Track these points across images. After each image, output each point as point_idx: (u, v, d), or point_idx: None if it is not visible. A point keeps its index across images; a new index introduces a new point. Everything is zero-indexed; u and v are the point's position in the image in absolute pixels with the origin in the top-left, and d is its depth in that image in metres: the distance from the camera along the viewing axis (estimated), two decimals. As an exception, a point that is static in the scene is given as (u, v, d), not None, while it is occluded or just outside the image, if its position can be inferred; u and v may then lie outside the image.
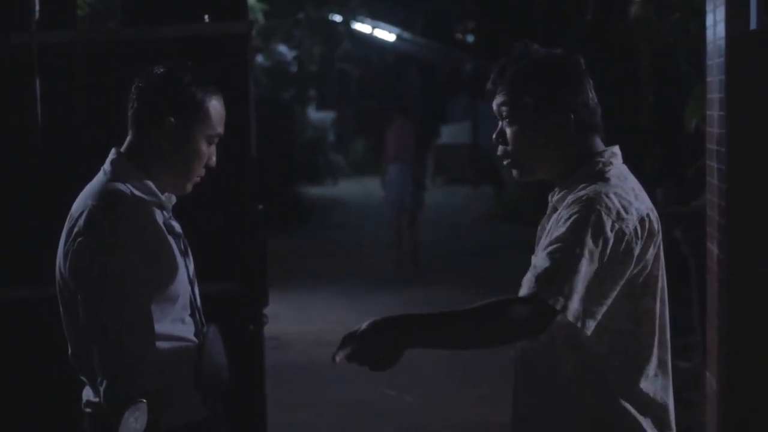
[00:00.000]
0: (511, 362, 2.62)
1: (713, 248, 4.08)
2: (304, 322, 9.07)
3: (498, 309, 2.30)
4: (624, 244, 2.33)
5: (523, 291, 2.31)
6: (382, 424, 6.25)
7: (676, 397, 2.56)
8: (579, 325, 2.29)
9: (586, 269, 2.29)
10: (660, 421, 2.46)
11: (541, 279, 2.28)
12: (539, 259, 2.33)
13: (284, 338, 8.25)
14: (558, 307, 2.26)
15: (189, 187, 2.74)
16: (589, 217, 2.32)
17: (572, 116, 2.47)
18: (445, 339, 2.39)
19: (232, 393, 2.90)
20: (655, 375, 2.46)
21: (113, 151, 2.70)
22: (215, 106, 2.69)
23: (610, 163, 2.50)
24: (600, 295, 2.32)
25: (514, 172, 2.57)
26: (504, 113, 2.52)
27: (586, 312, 2.30)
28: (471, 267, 12.10)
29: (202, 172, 2.73)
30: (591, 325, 2.31)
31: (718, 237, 3.96)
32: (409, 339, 2.31)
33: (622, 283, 2.36)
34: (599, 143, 2.54)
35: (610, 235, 2.31)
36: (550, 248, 2.32)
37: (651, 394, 2.44)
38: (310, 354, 8.02)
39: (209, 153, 2.71)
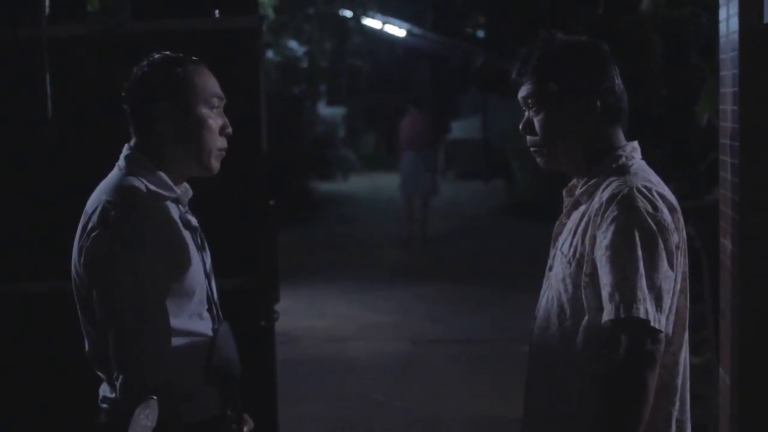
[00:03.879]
0: (516, 357, 2.61)
1: (726, 243, 4.06)
2: (314, 316, 9.08)
3: (619, 379, 2.26)
4: (667, 233, 2.33)
5: (606, 317, 2.28)
6: (392, 418, 6.25)
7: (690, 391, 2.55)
8: (657, 326, 2.26)
9: (648, 270, 2.28)
10: (680, 415, 2.45)
11: (615, 298, 2.26)
12: (603, 275, 2.31)
13: (294, 333, 8.25)
14: (642, 316, 2.24)
15: (215, 164, 2.68)
16: (631, 217, 2.31)
17: (598, 102, 2.46)
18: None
19: (244, 387, 2.89)
20: (678, 371, 2.45)
21: (126, 146, 2.69)
22: (197, 71, 2.67)
23: (632, 157, 2.48)
24: (666, 290, 2.31)
25: (540, 160, 2.55)
26: (530, 102, 2.50)
27: (658, 311, 2.28)
28: (481, 261, 12.10)
29: (221, 143, 2.69)
30: (663, 323, 2.30)
31: (731, 232, 3.94)
32: None
33: (679, 273, 2.36)
34: (621, 137, 2.52)
35: (655, 229, 2.31)
36: (608, 260, 2.29)
37: (673, 392, 2.43)
38: (321, 348, 8.03)
39: (219, 121, 2.68)
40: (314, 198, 17.39)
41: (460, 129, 23.46)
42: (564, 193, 2.61)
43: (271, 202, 4.46)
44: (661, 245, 2.31)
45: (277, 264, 4.51)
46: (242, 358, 2.83)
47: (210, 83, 2.68)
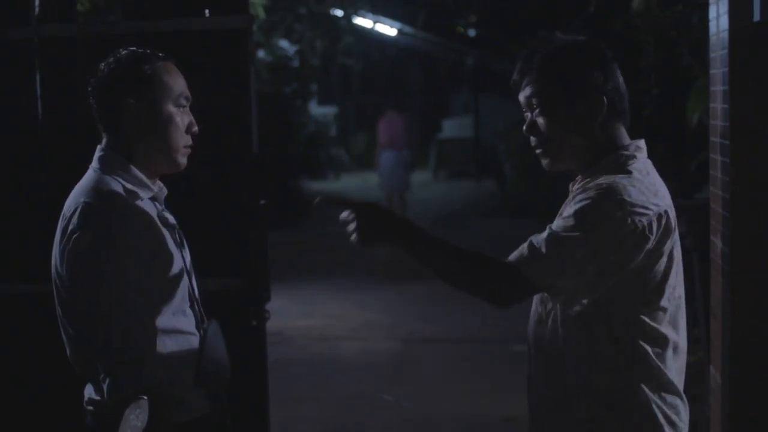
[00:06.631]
0: (509, 356, 2.62)
1: (717, 241, 4.06)
2: (305, 316, 9.07)
3: (486, 263, 2.37)
4: (635, 237, 2.32)
5: (513, 257, 2.35)
6: (385, 418, 6.24)
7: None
8: (565, 306, 2.34)
9: (582, 253, 2.28)
10: (673, 405, 2.45)
11: (532, 255, 2.32)
12: (541, 235, 2.35)
13: (286, 333, 8.25)
14: (540, 285, 2.31)
15: (182, 160, 2.70)
16: (599, 204, 2.32)
17: (605, 101, 2.45)
18: (427, 259, 2.42)
19: (235, 388, 2.89)
20: (667, 359, 2.44)
21: (98, 148, 2.70)
22: (166, 69, 2.67)
23: (634, 156, 2.47)
24: (595, 282, 2.32)
25: (545, 161, 2.54)
26: (534, 103, 2.49)
27: (574, 294, 2.31)
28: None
29: (187, 140, 2.70)
30: (577, 307, 2.33)
31: (722, 230, 3.94)
32: (400, 237, 2.39)
33: (623, 273, 2.34)
34: (625, 135, 2.52)
35: (620, 225, 2.30)
36: (554, 226, 2.34)
37: (664, 377, 2.43)
38: (312, 348, 8.02)
39: (186, 119, 2.69)
40: (305, 198, 17.35)
41: (451, 128, 23.42)
42: (570, 185, 2.61)
43: (262, 202, 4.45)
44: (616, 240, 2.30)
45: (268, 264, 4.50)
46: (233, 358, 2.82)
47: (178, 82, 2.68)
